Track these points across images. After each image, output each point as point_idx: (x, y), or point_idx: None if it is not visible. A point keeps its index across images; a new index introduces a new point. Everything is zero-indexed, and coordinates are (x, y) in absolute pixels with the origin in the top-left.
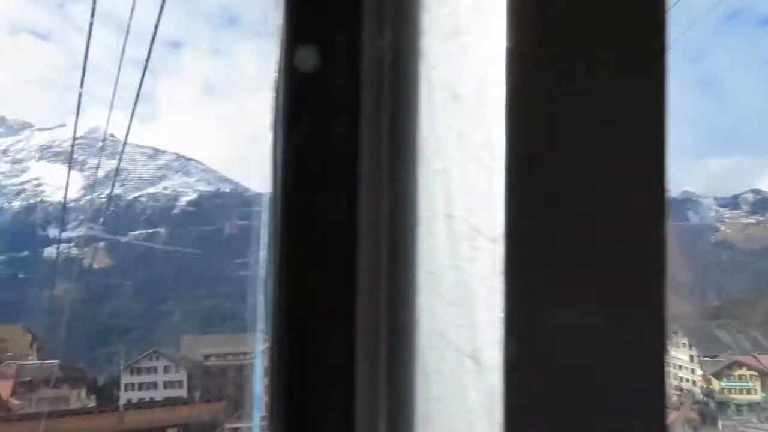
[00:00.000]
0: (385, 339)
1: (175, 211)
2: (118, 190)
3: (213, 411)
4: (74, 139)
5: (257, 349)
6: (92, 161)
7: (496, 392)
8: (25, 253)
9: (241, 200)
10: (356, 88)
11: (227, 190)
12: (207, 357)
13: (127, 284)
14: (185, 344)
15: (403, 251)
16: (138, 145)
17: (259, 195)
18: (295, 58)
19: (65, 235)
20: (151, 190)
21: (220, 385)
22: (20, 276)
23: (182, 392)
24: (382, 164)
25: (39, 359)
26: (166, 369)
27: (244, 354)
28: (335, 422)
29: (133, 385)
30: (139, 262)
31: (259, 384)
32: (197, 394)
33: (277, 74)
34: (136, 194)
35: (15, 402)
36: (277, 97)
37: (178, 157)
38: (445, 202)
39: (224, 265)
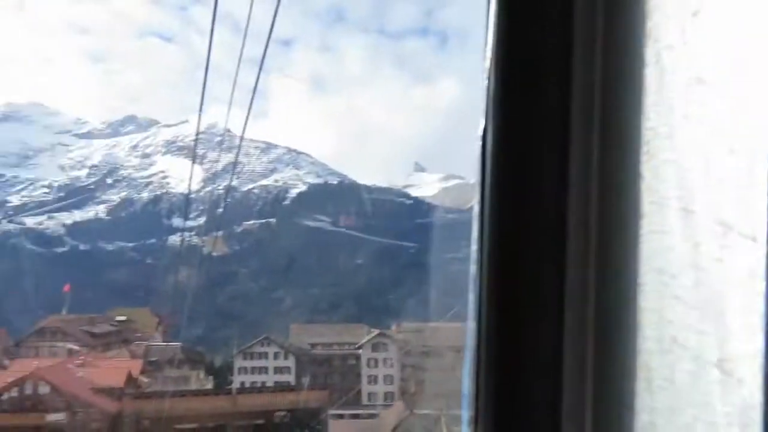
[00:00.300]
0: (592, 338)
1: (286, 202)
2: (233, 182)
3: (318, 398)
4: (197, 134)
5: (468, 344)
6: (211, 155)
7: (753, 408)
8: (152, 240)
9: (350, 192)
10: (567, 72)
11: (335, 182)
12: (314, 345)
13: (242, 271)
14: (293, 332)
15: (618, 246)
16: (252, 140)
17: (366, 187)
18: (506, 42)
19: (187, 224)
20: (263, 182)
21: (325, 372)
22: (148, 261)
23: (290, 378)
24: (592, 154)
25: (163, 341)
26: (276, 355)
27: (349, 344)
28: (542, 419)
29: (245, 369)
30: (252, 250)
31: (467, 381)
32: (304, 381)
33: (489, 61)
34: (250, 186)
35: (144, 380)
36: (488, 86)
37: (289, 150)
38: (679, 195)
39: (335, 255)
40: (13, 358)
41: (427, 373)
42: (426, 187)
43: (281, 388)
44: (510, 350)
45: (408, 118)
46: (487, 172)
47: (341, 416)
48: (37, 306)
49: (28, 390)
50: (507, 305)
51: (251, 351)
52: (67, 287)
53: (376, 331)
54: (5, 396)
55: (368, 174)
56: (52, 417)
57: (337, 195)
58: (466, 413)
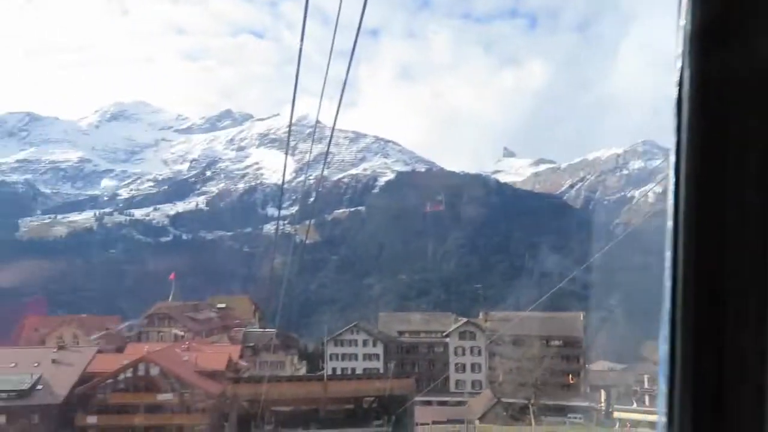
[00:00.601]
0: None
1: (375, 190)
2: (324, 172)
3: (404, 386)
4: (290, 126)
5: (661, 352)
6: (302, 146)
7: None
8: (249, 229)
9: (438, 179)
10: None
11: (422, 169)
12: (402, 333)
13: (332, 258)
14: (382, 320)
15: None
16: (341, 130)
17: (454, 174)
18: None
19: (281, 213)
20: (353, 171)
21: (413, 360)
22: (245, 250)
23: (379, 364)
24: None
25: (260, 327)
26: (365, 342)
27: (436, 332)
28: (745, 425)
29: (336, 355)
30: (342, 238)
31: (662, 383)
32: (392, 368)
33: (683, 47)
34: (340, 175)
35: (243, 364)
36: (681, 73)
37: (377, 139)
38: None
39: (421, 243)
40: (127, 343)
41: (514, 362)
42: (515, 173)
43: (369, 375)
44: (711, 357)
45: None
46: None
47: (429, 403)
48: (146, 293)
49: (141, 372)
50: (710, 312)
51: (341, 338)
52: (172, 275)
53: (463, 320)
54: (121, 377)
55: (457, 160)
56: (162, 396)
57: (425, 182)
58: (661, 417)
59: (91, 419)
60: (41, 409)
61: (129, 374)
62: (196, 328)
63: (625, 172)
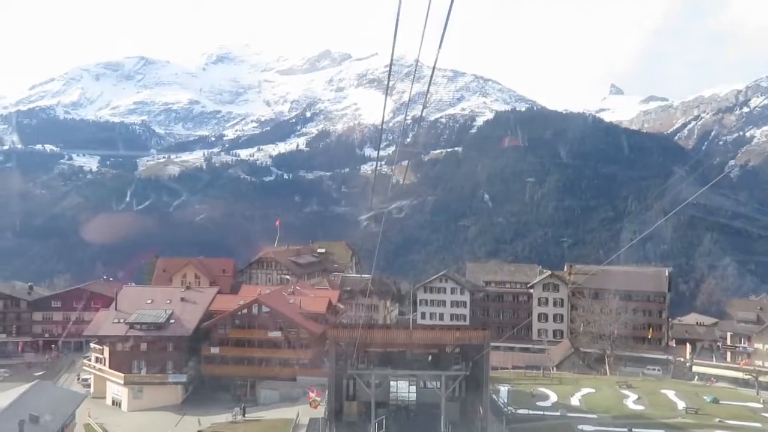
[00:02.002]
0: None
1: (473, 130)
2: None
3: (480, 337)
4: (390, 66)
5: None
6: (400, 86)
7: None
8: (347, 169)
9: (539, 119)
10: None
11: (523, 108)
12: (488, 283)
13: (428, 200)
14: (469, 270)
15: None
16: (439, 69)
17: (557, 113)
18: None
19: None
20: (450, 111)
21: (498, 308)
22: (343, 189)
23: (465, 311)
24: None
25: (357, 271)
26: (452, 290)
27: (521, 283)
28: None
29: (426, 301)
30: (439, 179)
31: None
32: (475, 316)
33: None
34: (438, 115)
35: (341, 306)
36: None
37: (476, 78)
38: None
39: (519, 184)
40: (240, 284)
41: (594, 315)
42: (622, 111)
43: (449, 326)
44: None
45: (604, 35)
46: None
47: (512, 349)
48: (254, 235)
49: (254, 312)
50: None
51: (431, 285)
52: (277, 222)
53: (547, 272)
54: (238, 315)
55: (559, 99)
56: (272, 334)
57: (525, 122)
58: None
59: (214, 350)
60: (174, 339)
61: (244, 313)
62: (299, 271)
63: (745, 109)
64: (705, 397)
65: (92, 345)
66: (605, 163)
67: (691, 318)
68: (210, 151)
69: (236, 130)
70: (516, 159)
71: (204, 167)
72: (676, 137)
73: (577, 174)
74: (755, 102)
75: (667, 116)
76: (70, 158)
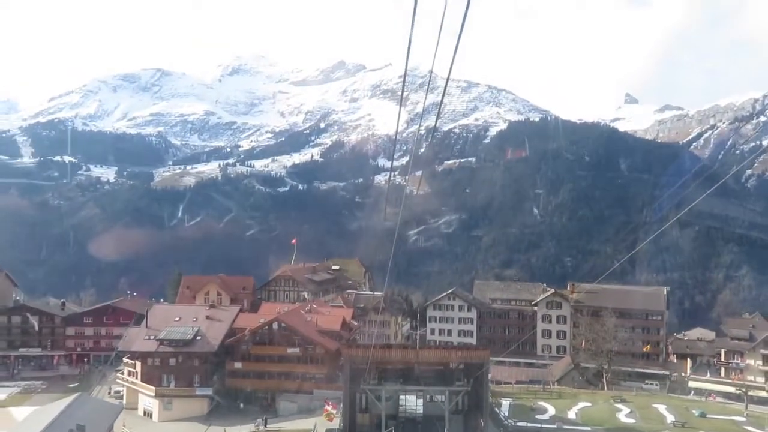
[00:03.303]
0: None
1: (486, 140)
2: (435, 122)
3: (482, 356)
4: (404, 76)
5: None
6: (413, 96)
7: None
8: (360, 180)
9: (553, 129)
10: None
11: (537, 119)
12: (494, 300)
13: (442, 210)
14: (476, 288)
15: None
16: (452, 79)
17: (571, 123)
18: None
19: (390, 164)
20: (464, 121)
21: (504, 324)
22: (356, 200)
23: (472, 327)
24: None
25: (369, 287)
26: (460, 307)
27: (526, 301)
28: None
29: (435, 318)
30: (452, 189)
31: None
32: (482, 332)
33: None
34: (451, 125)
35: (354, 323)
36: None
37: (490, 88)
38: None
39: (532, 193)
40: (260, 301)
41: (592, 332)
42: (637, 120)
43: (453, 346)
44: None
45: (620, 44)
46: None
47: (518, 364)
48: (270, 246)
49: (274, 328)
50: None
51: (440, 302)
52: (294, 240)
53: (551, 290)
54: (259, 332)
55: (574, 108)
56: (291, 350)
57: (539, 132)
58: None
59: (237, 365)
60: (200, 355)
61: (265, 330)
62: (315, 288)
63: (762, 118)
64: (694, 411)
65: (125, 360)
66: (619, 173)
67: (695, 332)
68: (225, 162)
69: (251, 141)
70: (529, 169)
71: (219, 178)
72: (692, 147)
73: (591, 184)
74: None
75: (682, 125)
76: (88, 169)
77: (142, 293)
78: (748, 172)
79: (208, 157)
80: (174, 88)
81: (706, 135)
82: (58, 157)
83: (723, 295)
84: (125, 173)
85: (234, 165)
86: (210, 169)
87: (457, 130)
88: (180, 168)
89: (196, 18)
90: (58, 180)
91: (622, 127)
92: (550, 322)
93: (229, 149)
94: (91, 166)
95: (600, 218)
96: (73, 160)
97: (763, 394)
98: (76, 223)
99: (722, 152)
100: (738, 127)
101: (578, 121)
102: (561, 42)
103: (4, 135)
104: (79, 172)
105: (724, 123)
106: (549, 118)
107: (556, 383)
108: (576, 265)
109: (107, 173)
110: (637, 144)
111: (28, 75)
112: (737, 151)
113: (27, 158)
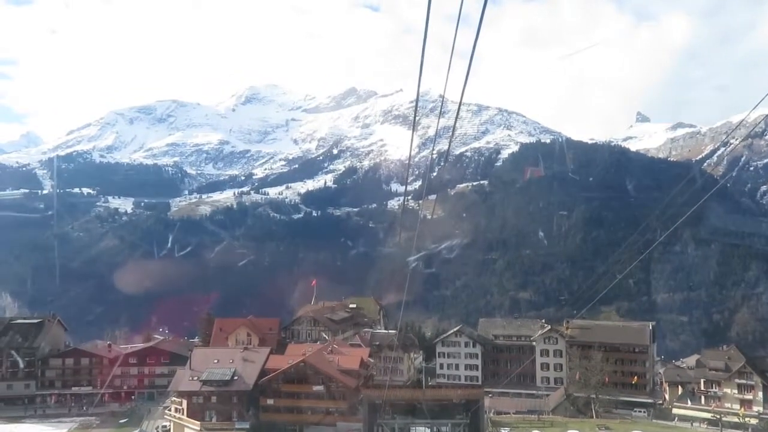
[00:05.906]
0: None
1: (498, 163)
2: (446, 146)
3: (477, 393)
4: (416, 102)
5: None
6: (425, 121)
7: None
8: (374, 205)
9: (563, 150)
10: None
11: (548, 140)
12: (496, 336)
13: (455, 233)
14: (481, 325)
15: None
16: (463, 103)
17: (582, 144)
18: None
19: (403, 189)
20: (475, 144)
21: (506, 359)
22: (370, 225)
23: (477, 362)
24: None
25: (384, 324)
26: (466, 344)
27: (525, 336)
28: None
29: (444, 353)
30: (470, 212)
31: None
32: (486, 365)
33: None
34: (463, 149)
35: (370, 361)
36: None
37: (500, 111)
38: None
39: (546, 215)
40: (285, 341)
41: (584, 365)
42: (649, 139)
43: (454, 385)
44: None
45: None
46: None
47: (519, 395)
48: (289, 280)
49: (302, 369)
50: None
51: (448, 340)
52: (313, 282)
53: (548, 327)
54: (288, 372)
55: (585, 128)
56: (316, 387)
57: (551, 153)
58: None
59: (270, 401)
60: (238, 393)
61: (293, 371)
62: (334, 327)
63: None
64: None
65: (171, 398)
66: (632, 193)
67: (692, 360)
68: (240, 190)
69: (265, 169)
70: (542, 191)
71: (234, 206)
72: (705, 164)
73: (604, 205)
74: None
75: (695, 143)
76: (106, 200)
77: (173, 329)
78: (763, 188)
79: (223, 185)
80: (189, 118)
81: (719, 152)
82: (77, 189)
83: (740, 314)
84: (143, 204)
85: (248, 193)
86: (225, 197)
87: (468, 154)
88: (196, 197)
89: (210, 49)
90: (77, 211)
91: (634, 145)
92: (547, 355)
93: (243, 177)
94: (109, 197)
95: (613, 239)
96: (92, 192)
97: (735, 420)
98: (95, 255)
99: (736, 169)
100: (751, 143)
101: (590, 141)
102: (570, 63)
103: (24, 169)
104: (98, 203)
105: (737, 140)
106: (560, 139)
107: (550, 413)
108: (589, 287)
109: (125, 204)
110: (650, 163)
111: (48, 109)
112: (751, 168)
113: (47, 190)
